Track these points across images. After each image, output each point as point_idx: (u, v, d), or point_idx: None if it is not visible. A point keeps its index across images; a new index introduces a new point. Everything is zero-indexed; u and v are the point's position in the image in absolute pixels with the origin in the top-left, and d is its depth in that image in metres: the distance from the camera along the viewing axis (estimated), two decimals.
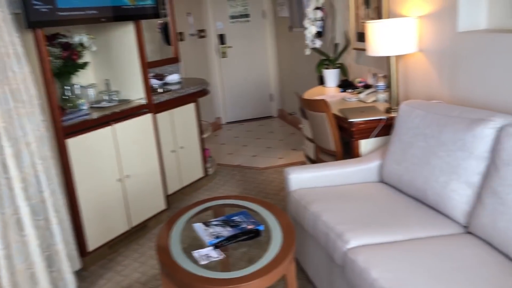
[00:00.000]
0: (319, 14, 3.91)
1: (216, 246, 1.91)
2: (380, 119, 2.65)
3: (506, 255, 1.72)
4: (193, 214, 2.26)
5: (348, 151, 2.81)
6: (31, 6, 2.37)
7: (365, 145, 2.71)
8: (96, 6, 2.75)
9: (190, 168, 3.91)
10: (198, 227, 2.09)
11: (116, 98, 3.23)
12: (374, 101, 3.04)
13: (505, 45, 2.04)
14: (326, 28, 4.19)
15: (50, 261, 2.39)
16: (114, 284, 2.70)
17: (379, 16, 3.26)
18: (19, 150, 2.21)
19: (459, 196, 1.97)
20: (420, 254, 1.75)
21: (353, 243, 1.92)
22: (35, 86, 2.33)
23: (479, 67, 2.23)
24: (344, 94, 3.41)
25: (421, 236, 1.93)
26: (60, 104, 2.82)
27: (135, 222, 3.18)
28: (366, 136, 2.69)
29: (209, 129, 4.31)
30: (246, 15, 6.23)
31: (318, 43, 3.92)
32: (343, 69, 3.84)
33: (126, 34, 3.17)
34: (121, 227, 3.07)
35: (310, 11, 3.92)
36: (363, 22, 3.42)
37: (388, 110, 2.76)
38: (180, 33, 5.24)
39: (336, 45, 3.98)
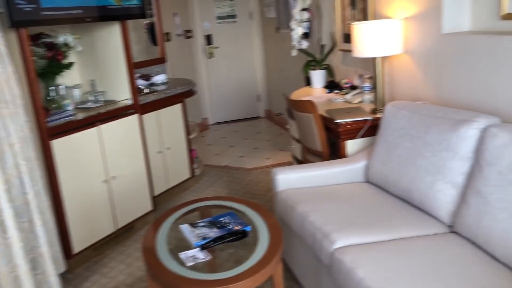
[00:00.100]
0: (306, 15, 3.93)
1: (203, 248, 1.90)
2: (366, 119, 2.67)
3: (490, 254, 1.74)
4: (180, 215, 2.25)
5: (335, 152, 2.83)
6: (15, 5, 2.33)
7: (351, 145, 2.73)
8: (81, 5, 2.72)
9: (177, 169, 3.89)
10: (185, 228, 2.08)
11: (102, 99, 3.20)
12: (360, 102, 3.06)
13: (488, 46, 2.07)
14: (312, 29, 4.21)
15: (34, 263, 2.35)
16: (100, 286, 2.68)
17: (365, 17, 3.28)
18: (2, 151, 2.18)
19: (444, 196, 1.99)
20: (406, 253, 1.77)
21: (339, 243, 1.93)
22: (18, 86, 2.29)
23: (463, 68, 2.26)
24: (330, 95, 3.43)
25: (407, 236, 1.95)
26: (44, 105, 2.78)
27: (121, 224, 3.15)
28: (353, 136, 2.71)
29: (196, 130, 4.30)
30: (233, 16, 6.23)
31: (304, 44, 3.94)
32: (329, 70, 3.86)
33: (112, 34, 3.14)
34: (107, 229, 3.04)
35: (296, 12, 3.94)
36: (349, 24, 3.44)
37: (374, 111, 2.78)
38: (167, 34, 5.21)
39: (322, 46, 4.00)
